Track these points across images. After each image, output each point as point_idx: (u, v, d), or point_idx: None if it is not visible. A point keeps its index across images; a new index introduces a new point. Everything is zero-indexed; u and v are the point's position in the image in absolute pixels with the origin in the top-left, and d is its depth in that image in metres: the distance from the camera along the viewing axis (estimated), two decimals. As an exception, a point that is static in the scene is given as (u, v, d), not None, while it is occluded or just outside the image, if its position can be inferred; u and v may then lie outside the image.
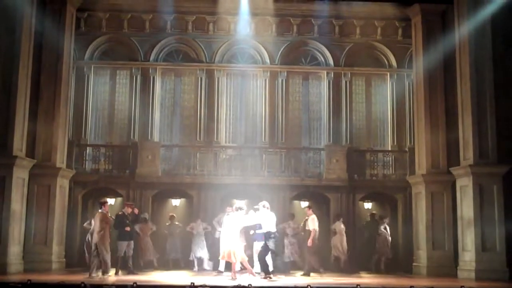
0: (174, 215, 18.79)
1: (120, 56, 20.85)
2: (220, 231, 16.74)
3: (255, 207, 15.25)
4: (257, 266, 15.04)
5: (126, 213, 15.92)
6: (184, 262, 18.07)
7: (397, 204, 19.69)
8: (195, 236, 17.69)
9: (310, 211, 16.37)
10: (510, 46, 16.57)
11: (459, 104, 16.67)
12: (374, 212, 19.79)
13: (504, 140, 16.13)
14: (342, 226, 17.73)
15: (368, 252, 18.62)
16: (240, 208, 14.52)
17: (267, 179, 19.10)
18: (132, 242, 15.90)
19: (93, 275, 14.03)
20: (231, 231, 14.25)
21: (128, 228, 15.57)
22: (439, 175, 17.72)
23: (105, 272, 14.21)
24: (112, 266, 15.05)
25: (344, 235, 17.63)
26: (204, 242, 17.66)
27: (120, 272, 15.21)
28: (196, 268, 17.45)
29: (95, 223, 14.69)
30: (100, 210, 14.67)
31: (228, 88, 20.88)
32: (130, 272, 15.43)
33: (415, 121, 18.95)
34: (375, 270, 17.85)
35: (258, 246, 14.96)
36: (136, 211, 16.39)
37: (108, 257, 14.31)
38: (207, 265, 17.57)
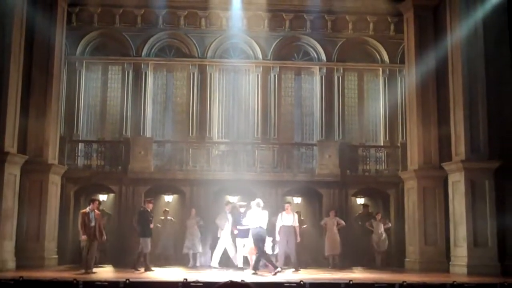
0: (167, 209, 18.75)
1: (112, 51, 20.77)
2: (222, 230, 16.85)
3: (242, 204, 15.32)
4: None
5: (148, 210, 15.72)
6: (177, 258, 18.01)
7: (389, 199, 19.74)
8: (188, 230, 17.61)
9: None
10: (501, 42, 16.61)
11: (451, 99, 16.72)
12: (366, 204, 19.82)
13: (496, 136, 16.18)
14: (334, 221, 17.72)
15: (361, 246, 18.66)
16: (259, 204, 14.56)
17: (260, 175, 19.08)
18: (150, 239, 15.69)
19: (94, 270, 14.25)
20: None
21: (152, 225, 15.42)
22: (431, 170, 17.76)
23: (87, 268, 14.10)
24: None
25: (335, 231, 17.60)
26: (199, 236, 17.59)
27: (139, 269, 15.08)
28: (191, 263, 17.39)
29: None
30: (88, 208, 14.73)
31: (220, 83, 20.86)
32: (147, 269, 15.18)
33: (407, 116, 18.99)
34: (376, 266, 17.89)
35: (242, 243, 15.45)
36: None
37: (89, 254, 14.26)
38: (200, 260, 17.59)
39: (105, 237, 15.10)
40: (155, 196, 19.80)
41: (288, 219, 15.91)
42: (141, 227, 15.60)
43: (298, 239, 15.79)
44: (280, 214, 15.96)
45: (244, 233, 15.57)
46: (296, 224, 15.92)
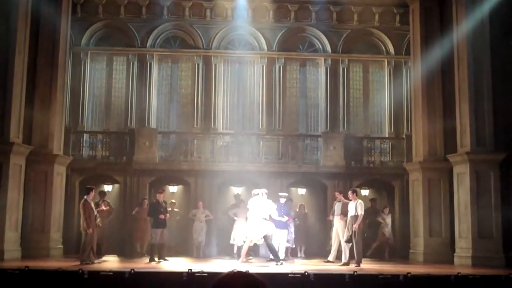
0: (174, 201, 18.73)
1: (117, 42, 20.76)
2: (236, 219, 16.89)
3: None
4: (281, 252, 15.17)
5: (160, 201, 15.73)
6: (182, 249, 18.05)
7: (394, 191, 19.73)
8: (195, 222, 17.67)
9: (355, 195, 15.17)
10: (508, 34, 16.54)
11: (457, 91, 16.67)
12: (374, 198, 19.71)
13: (501, 128, 16.17)
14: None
15: (367, 239, 18.62)
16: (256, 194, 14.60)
17: (264, 166, 19.10)
18: (165, 230, 15.58)
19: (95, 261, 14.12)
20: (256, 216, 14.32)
21: (162, 216, 15.34)
22: (436, 162, 17.73)
23: (82, 260, 13.80)
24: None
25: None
26: (205, 228, 17.65)
27: (156, 259, 15.09)
28: (195, 254, 17.44)
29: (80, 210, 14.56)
30: (84, 197, 14.51)
31: (225, 74, 20.83)
32: (161, 258, 15.26)
33: (413, 108, 18.92)
34: (377, 257, 17.81)
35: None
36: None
37: (88, 245, 14.05)
38: (204, 251, 17.65)
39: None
40: (160, 187, 19.82)
41: (352, 207, 14.77)
42: (153, 218, 15.67)
43: (355, 227, 14.46)
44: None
45: (283, 225, 15.48)
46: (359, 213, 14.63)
